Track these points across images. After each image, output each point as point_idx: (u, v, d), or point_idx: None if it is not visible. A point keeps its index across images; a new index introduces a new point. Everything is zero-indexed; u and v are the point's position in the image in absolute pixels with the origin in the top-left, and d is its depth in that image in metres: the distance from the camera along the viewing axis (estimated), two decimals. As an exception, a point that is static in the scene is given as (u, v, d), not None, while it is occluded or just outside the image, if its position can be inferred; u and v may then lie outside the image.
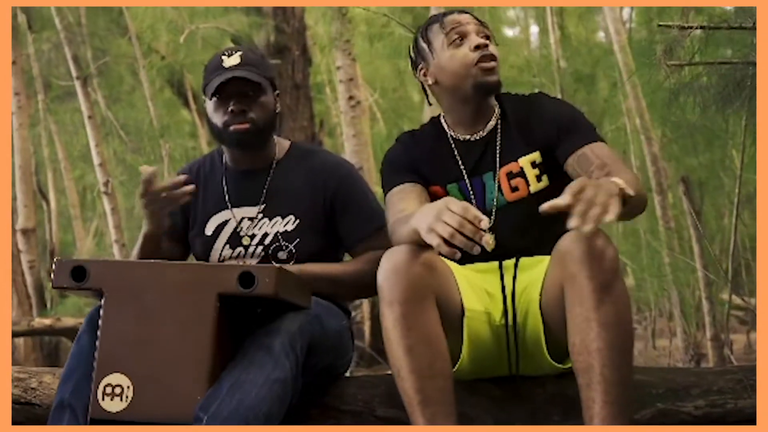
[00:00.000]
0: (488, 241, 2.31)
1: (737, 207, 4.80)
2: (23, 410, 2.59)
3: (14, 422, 2.58)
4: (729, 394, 2.30)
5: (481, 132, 2.44)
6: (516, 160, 2.38)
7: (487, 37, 2.38)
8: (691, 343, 4.98)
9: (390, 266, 2.06)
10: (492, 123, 2.44)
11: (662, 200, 5.44)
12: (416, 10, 8.44)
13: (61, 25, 6.95)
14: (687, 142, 5.06)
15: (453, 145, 2.45)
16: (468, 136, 2.44)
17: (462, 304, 2.22)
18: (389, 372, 2.21)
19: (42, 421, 2.59)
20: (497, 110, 2.46)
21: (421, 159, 2.45)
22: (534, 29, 14.91)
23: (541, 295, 2.20)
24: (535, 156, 2.37)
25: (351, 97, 6.94)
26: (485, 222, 1.90)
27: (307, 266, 2.48)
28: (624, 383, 1.95)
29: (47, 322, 6.21)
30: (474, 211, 1.91)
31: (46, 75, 8.23)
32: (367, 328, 7.23)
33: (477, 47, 2.33)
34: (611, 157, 2.28)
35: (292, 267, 2.43)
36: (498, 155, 2.40)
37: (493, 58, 2.35)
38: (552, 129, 2.36)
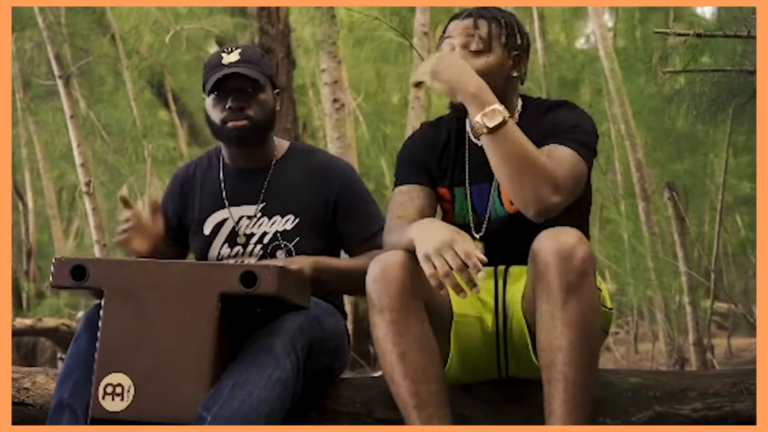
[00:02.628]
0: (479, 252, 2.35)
1: (720, 213, 4.85)
2: (16, 410, 2.57)
3: (6, 422, 2.56)
4: (725, 397, 2.32)
5: None
6: None
7: (480, 50, 2.28)
8: (675, 348, 5.03)
9: (378, 273, 2.08)
10: None
11: (646, 206, 5.48)
12: (402, 12, 8.45)
13: (44, 24, 6.89)
14: (671, 148, 5.11)
15: (467, 147, 2.41)
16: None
17: (450, 309, 2.23)
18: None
19: (36, 421, 2.57)
20: (515, 118, 2.35)
21: (435, 157, 2.42)
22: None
23: (523, 297, 2.23)
24: None
25: (336, 100, 6.93)
26: (482, 274, 1.96)
27: (322, 259, 2.49)
28: (584, 382, 1.99)
29: (28, 322, 6.16)
30: (475, 260, 1.95)
31: (27, 74, 8.17)
32: (350, 331, 7.24)
33: None
34: (560, 157, 2.18)
35: (307, 259, 2.43)
36: None
37: None
38: (546, 135, 2.26)
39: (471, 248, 1.96)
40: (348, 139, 7.22)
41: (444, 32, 2.38)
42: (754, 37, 2.51)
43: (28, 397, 2.58)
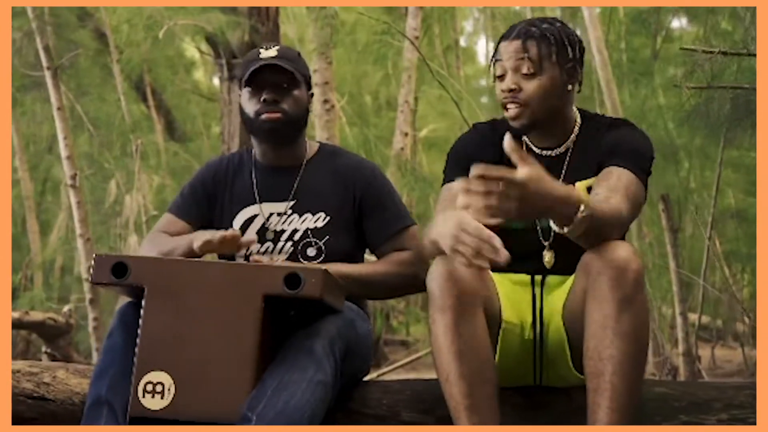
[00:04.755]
0: (548, 259, 2.37)
1: (711, 227, 4.92)
2: (36, 405, 2.55)
3: (27, 418, 2.55)
4: (749, 408, 2.35)
5: (555, 150, 2.40)
6: (573, 184, 2.33)
7: (531, 73, 2.28)
8: (668, 358, 5.11)
9: (443, 272, 2.08)
10: (565, 145, 2.40)
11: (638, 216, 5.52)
12: (392, 16, 8.49)
13: (33, 14, 6.83)
14: (666, 161, 5.17)
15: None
16: (540, 152, 2.40)
17: (500, 314, 2.26)
18: (415, 378, 2.22)
19: (55, 416, 2.55)
20: (575, 132, 2.40)
21: (488, 158, 2.33)
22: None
23: (564, 306, 2.26)
24: (592, 181, 2.32)
25: (326, 101, 6.96)
26: (498, 241, 1.89)
27: (338, 266, 2.48)
28: (631, 393, 2.01)
29: (16, 315, 6.09)
30: (487, 232, 1.90)
31: (16, 65, 8.08)
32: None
33: (503, 90, 2.32)
34: (620, 187, 2.18)
35: (324, 266, 2.40)
36: (562, 178, 2.36)
37: (516, 103, 2.30)
38: (606, 153, 2.30)
39: (478, 225, 1.91)
40: (336, 140, 7.25)
41: (494, 54, 2.38)
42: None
43: (48, 392, 2.56)
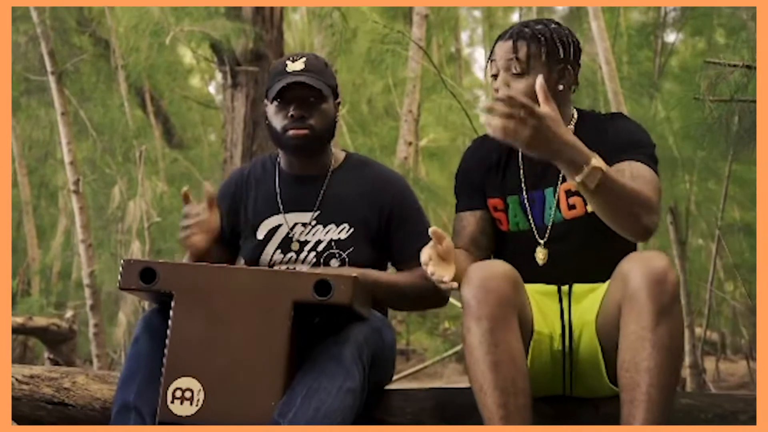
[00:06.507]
0: (542, 257, 2.38)
1: (718, 240, 4.93)
2: (56, 410, 2.55)
3: (46, 423, 2.55)
4: (776, 421, 2.35)
5: None
6: None
7: (520, 72, 2.32)
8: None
9: (480, 282, 2.07)
10: None
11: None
12: (396, 24, 8.49)
13: (39, 19, 6.83)
14: (675, 173, 5.19)
15: (520, 157, 2.45)
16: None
17: (532, 325, 2.25)
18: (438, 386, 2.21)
19: (75, 421, 2.55)
20: (572, 126, 2.42)
21: (485, 171, 2.48)
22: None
23: (597, 317, 2.25)
24: None
25: (331, 109, 6.92)
26: None
27: (369, 272, 2.47)
28: (666, 404, 2.01)
29: (19, 320, 6.07)
30: None
31: (18, 70, 8.07)
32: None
33: (494, 90, 2.37)
34: (643, 176, 2.23)
35: (354, 270, 2.41)
36: (561, 177, 2.38)
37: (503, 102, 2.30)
38: (608, 147, 2.30)
39: None
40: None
41: (491, 53, 2.42)
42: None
43: (68, 397, 2.56)
